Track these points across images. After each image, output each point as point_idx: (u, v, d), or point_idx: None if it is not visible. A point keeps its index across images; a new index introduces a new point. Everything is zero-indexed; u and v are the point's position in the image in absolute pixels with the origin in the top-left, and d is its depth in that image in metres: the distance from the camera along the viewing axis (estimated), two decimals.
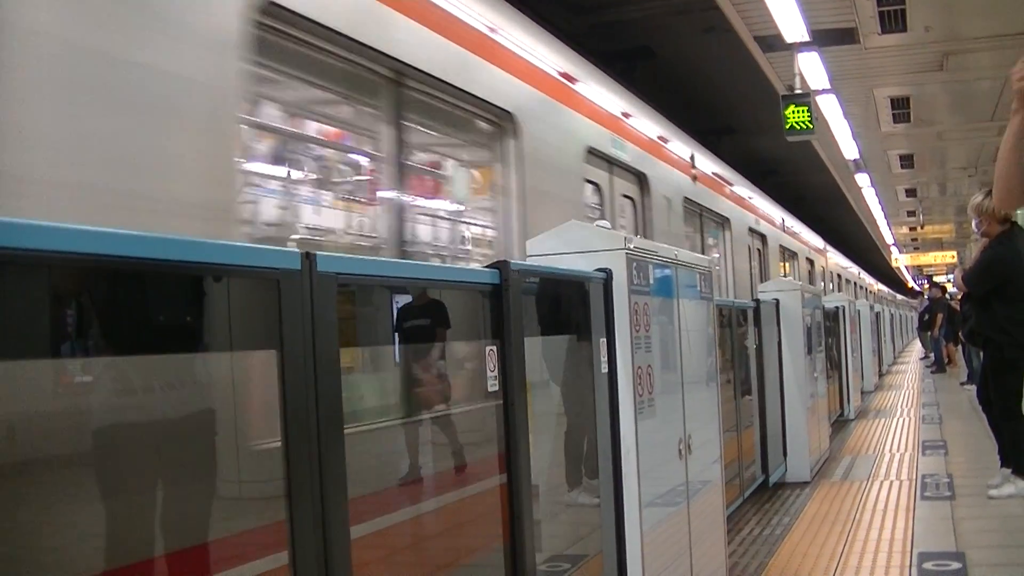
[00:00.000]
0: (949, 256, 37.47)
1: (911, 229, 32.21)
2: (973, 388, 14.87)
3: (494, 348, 2.88)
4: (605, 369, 3.67)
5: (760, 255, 14.10)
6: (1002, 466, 6.80)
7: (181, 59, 3.13)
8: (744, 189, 13.25)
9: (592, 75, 7.33)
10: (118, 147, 2.88)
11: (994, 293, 6.66)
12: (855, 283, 30.07)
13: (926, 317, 21.55)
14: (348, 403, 2.23)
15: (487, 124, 5.68)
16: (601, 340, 3.68)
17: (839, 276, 25.92)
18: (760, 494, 7.41)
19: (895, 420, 12.18)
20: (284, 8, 3.68)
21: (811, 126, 11.00)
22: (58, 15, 2.74)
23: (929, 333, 21.53)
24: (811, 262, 19.45)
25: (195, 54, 3.20)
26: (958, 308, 16.67)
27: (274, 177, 4.31)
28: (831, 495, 7.30)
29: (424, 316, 3.19)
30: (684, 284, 4.53)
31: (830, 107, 13.35)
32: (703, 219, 10.74)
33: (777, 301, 8.07)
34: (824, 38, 10.56)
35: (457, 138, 5.76)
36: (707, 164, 10.83)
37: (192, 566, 2.21)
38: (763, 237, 14.19)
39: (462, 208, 5.84)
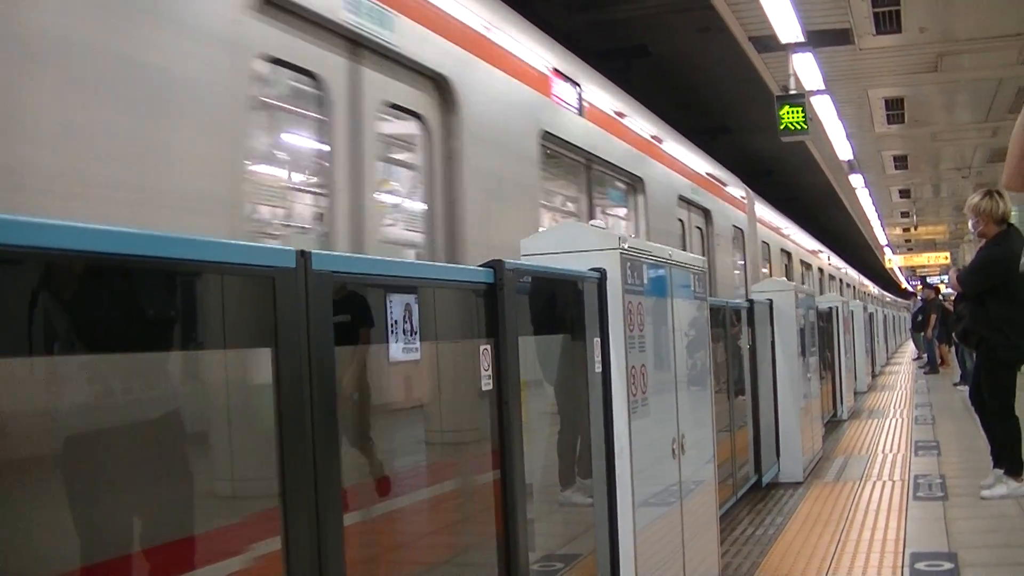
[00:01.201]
0: (943, 257, 37.57)
1: (905, 230, 32.28)
2: (966, 389, 14.94)
3: (488, 347, 2.88)
4: (599, 368, 3.67)
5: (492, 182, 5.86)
6: (995, 467, 6.81)
7: None
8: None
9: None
10: None
11: (989, 293, 6.68)
12: (820, 269, 22.55)
13: (919, 318, 21.58)
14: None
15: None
16: (595, 340, 3.68)
17: (788, 255, 17.66)
18: (753, 494, 7.42)
19: (888, 421, 12.20)
20: None
21: (805, 127, 11.03)
22: None
23: (922, 334, 21.57)
24: (706, 214, 11.19)
25: None
26: (951, 309, 16.73)
27: None
28: (824, 495, 7.31)
29: (341, 312, 2.52)
30: (678, 284, 4.54)
31: (824, 108, 13.38)
32: None
33: (771, 301, 8.09)
34: (819, 39, 10.58)
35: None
36: None
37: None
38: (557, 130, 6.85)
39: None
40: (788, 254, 17.59)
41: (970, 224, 7.16)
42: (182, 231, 2.22)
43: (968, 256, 26.49)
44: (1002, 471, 6.73)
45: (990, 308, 6.68)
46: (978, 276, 6.82)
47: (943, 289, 22.67)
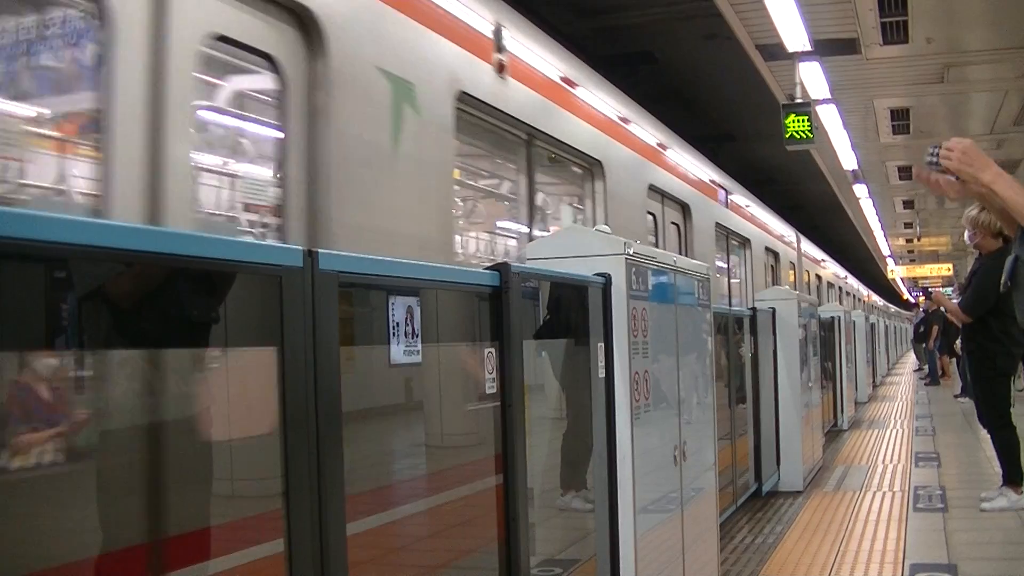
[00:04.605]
0: (945, 268, 37.48)
1: (908, 241, 32.24)
2: (967, 401, 14.94)
3: (493, 350, 2.88)
4: (602, 374, 3.67)
5: None
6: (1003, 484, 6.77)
7: None
8: None
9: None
10: None
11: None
12: (775, 252, 16.08)
13: (921, 329, 21.56)
14: None
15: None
16: (599, 345, 3.68)
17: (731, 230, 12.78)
18: (753, 502, 7.41)
19: (888, 431, 12.19)
20: None
21: (811, 135, 11.01)
22: None
23: (924, 345, 21.54)
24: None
25: None
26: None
27: None
28: (824, 505, 7.30)
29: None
30: (682, 291, 4.54)
31: (830, 117, 13.36)
32: None
33: (773, 310, 8.09)
34: (825, 48, 10.57)
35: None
36: None
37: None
38: None
39: None
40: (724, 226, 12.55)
41: (966, 236, 7.15)
42: None
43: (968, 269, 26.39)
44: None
45: (988, 320, 6.70)
46: (979, 297, 6.78)
47: None
